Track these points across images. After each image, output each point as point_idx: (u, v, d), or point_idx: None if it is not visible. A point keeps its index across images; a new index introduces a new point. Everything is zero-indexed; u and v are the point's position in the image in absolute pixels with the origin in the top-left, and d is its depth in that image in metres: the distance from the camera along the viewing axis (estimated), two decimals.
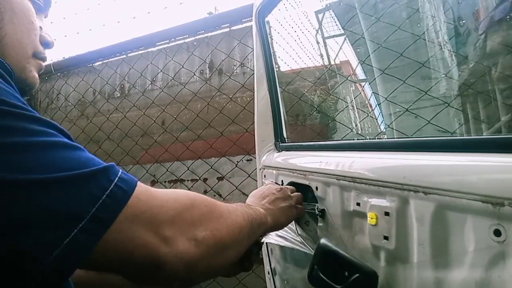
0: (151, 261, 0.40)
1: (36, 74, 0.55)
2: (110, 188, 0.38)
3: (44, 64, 0.57)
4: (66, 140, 0.40)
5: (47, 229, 0.34)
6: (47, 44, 0.57)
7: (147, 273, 0.41)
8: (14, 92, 0.39)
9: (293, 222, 0.85)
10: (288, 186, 0.83)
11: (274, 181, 0.96)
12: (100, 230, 0.37)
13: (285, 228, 0.78)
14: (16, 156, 0.35)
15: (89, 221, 0.36)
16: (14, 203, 0.34)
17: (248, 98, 2.05)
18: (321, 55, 2.21)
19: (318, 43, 2.21)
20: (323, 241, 0.65)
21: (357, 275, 0.56)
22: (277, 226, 0.71)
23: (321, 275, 0.61)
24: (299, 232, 0.85)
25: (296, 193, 0.80)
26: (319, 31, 2.20)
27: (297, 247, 0.79)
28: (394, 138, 1.38)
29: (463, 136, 1.24)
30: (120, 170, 0.42)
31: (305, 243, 0.80)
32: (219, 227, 0.49)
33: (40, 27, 0.56)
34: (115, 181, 0.39)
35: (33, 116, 0.38)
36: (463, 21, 1.30)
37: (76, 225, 0.35)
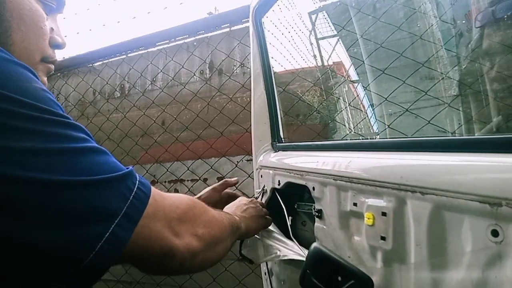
0: (167, 251, 0.48)
1: (45, 78, 0.56)
2: (134, 190, 0.45)
3: (53, 66, 0.58)
4: (97, 145, 0.45)
5: (93, 224, 0.40)
6: (57, 46, 0.57)
7: (162, 262, 0.48)
8: (54, 98, 0.44)
9: (288, 225, 0.85)
10: (257, 201, 0.93)
11: (271, 181, 0.96)
12: (131, 225, 0.43)
13: (279, 237, 0.85)
14: (63, 160, 0.40)
15: (122, 217, 0.42)
16: (61, 201, 0.38)
17: (248, 98, 2.04)
18: (314, 56, 2.21)
19: (311, 44, 2.20)
20: (315, 245, 0.64)
21: (352, 281, 0.56)
22: (249, 231, 0.80)
23: (313, 280, 0.61)
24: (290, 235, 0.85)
25: (264, 208, 0.89)
26: (312, 32, 2.19)
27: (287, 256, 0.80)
28: (391, 138, 1.38)
29: (461, 136, 1.24)
30: (138, 174, 0.48)
31: (298, 246, 0.80)
32: (212, 226, 0.58)
33: (52, 29, 0.56)
34: (137, 184, 0.46)
35: (74, 124, 0.43)
36: (463, 21, 1.29)
37: (113, 221, 0.41)
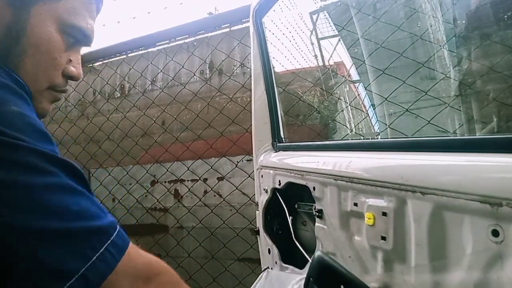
0: None
1: (48, 105, 0.56)
2: (101, 250, 0.39)
3: (61, 95, 0.58)
4: (71, 183, 0.40)
5: (42, 282, 0.35)
6: (71, 77, 0.57)
7: None
8: (37, 121, 0.41)
9: (290, 226, 0.85)
10: None
11: (271, 181, 0.96)
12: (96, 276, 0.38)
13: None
14: (25, 196, 0.35)
15: (77, 280, 0.37)
16: (8, 248, 0.35)
17: (248, 99, 2.04)
18: (316, 56, 2.21)
19: (312, 44, 2.21)
20: (318, 253, 0.64)
21: None
22: None
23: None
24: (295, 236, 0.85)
25: None
26: (313, 32, 2.20)
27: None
28: (391, 138, 1.38)
29: (461, 136, 1.23)
30: (115, 232, 0.43)
31: (303, 250, 0.80)
32: None
33: (70, 60, 0.56)
34: (108, 243, 0.40)
35: (44, 153, 0.38)
36: (464, 21, 1.29)
37: (65, 283, 0.36)
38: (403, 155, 0.60)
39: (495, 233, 0.42)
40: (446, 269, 0.49)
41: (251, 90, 1.12)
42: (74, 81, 0.58)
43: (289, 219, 0.87)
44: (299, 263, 0.85)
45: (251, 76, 2.00)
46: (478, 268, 0.44)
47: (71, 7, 0.53)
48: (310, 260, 0.69)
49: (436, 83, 1.39)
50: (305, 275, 0.81)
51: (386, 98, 1.42)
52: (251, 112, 1.13)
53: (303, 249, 0.85)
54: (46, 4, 0.51)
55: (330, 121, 1.94)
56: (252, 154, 1.90)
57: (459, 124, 1.29)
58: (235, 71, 2.19)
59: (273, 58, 1.05)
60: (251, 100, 1.14)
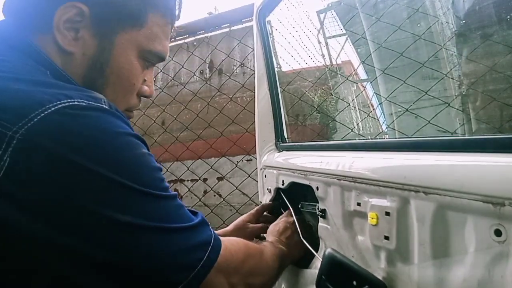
0: None
1: None
2: (211, 243, 0.50)
3: (133, 113, 0.61)
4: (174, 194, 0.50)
5: (169, 273, 0.44)
6: (144, 96, 0.60)
7: None
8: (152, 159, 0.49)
9: (297, 226, 0.86)
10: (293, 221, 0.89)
11: (275, 181, 0.96)
12: (201, 277, 0.47)
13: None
14: (147, 206, 0.44)
15: (200, 267, 0.47)
16: (138, 246, 0.43)
17: (248, 98, 2.05)
18: (323, 55, 2.22)
19: (319, 43, 2.21)
20: (330, 251, 0.65)
21: (366, 286, 0.57)
22: (295, 257, 0.82)
23: (329, 285, 0.62)
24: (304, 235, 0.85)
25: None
26: (321, 31, 2.20)
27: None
28: (394, 138, 1.38)
29: (464, 136, 1.24)
30: (209, 227, 0.53)
31: (311, 249, 0.80)
32: (264, 274, 0.65)
33: (144, 80, 0.59)
34: (213, 238, 0.51)
35: (160, 178, 0.49)
36: (463, 21, 1.30)
37: (191, 272, 0.46)
38: (406, 155, 0.61)
39: (498, 232, 0.43)
40: (449, 269, 0.49)
41: (251, 90, 1.13)
42: (147, 98, 0.61)
43: (295, 218, 0.87)
44: (303, 263, 0.86)
45: (251, 76, 2.00)
46: (481, 267, 0.44)
47: (150, 33, 0.55)
48: (320, 259, 0.70)
49: (436, 83, 1.40)
50: (308, 271, 0.82)
51: (386, 98, 1.43)
52: (253, 112, 1.14)
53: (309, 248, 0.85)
54: (127, 33, 0.53)
55: (335, 121, 1.94)
56: (252, 154, 1.92)
57: (460, 123, 1.29)
58: (235, 71, 2.19)
59: (280, 57, 1.06)
60: (253, 100, 1.14)
